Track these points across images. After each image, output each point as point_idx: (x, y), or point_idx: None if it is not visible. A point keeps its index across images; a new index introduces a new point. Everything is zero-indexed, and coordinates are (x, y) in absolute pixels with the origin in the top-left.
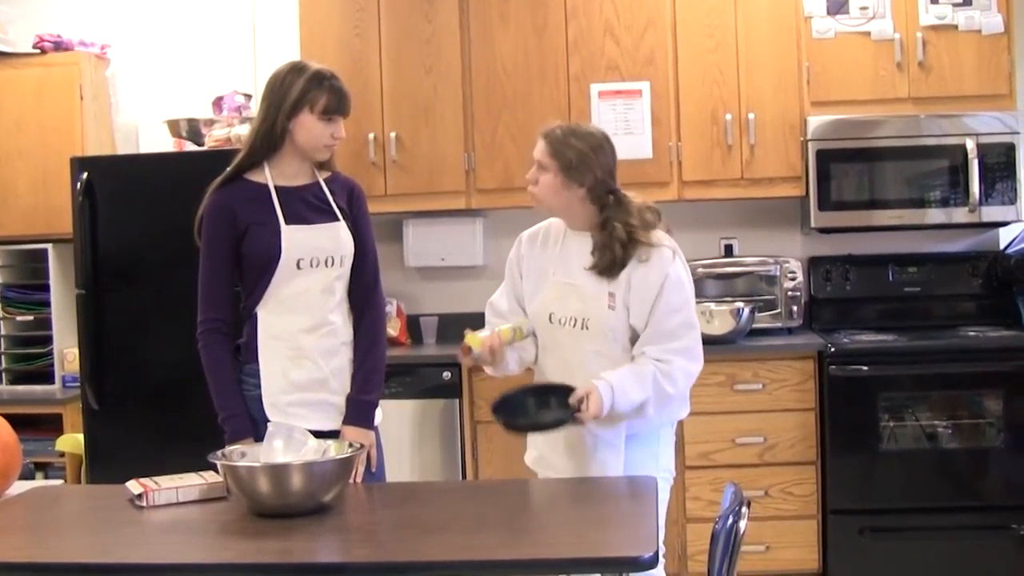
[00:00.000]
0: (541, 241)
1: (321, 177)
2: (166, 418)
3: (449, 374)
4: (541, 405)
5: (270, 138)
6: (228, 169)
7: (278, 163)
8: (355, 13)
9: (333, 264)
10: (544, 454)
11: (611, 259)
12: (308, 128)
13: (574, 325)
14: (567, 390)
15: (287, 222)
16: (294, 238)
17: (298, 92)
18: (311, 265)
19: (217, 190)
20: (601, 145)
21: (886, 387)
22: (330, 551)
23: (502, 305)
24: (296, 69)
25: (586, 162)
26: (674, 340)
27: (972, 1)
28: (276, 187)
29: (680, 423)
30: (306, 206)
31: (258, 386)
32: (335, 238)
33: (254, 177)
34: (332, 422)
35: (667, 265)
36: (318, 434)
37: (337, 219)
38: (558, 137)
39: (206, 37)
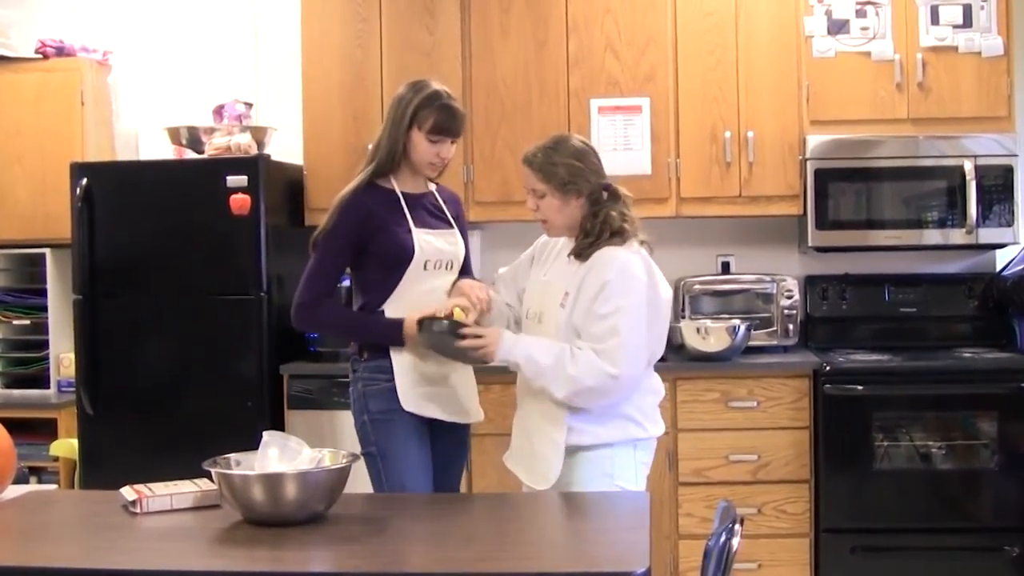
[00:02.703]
0: (552, 245)
1: (432, 188)
2: (160, 424)
3: None
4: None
5: (392, 152)
6: (360, 178)
7: (400, 174)
8: (357, 24)
9: (452, 268)
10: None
11: (591, 240)
12: (416, 145)
13: (534, 319)
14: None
15: (416, 226)
16: (423, 240)
17: (412, 111)
18: (435, 268)
19: (354, 193)
20: (583, 151)
21: (881, 407)
22: (322, 561)
23: (505, 278)
24: (415, 87)
25: (577, 172)
26: (597, 342)
27: (972, 23)
28: (403, 193)
29: (663, 442)
30: (428, 213)
31: (388, 380)
32: (454, 244)
33: (383, 184)
34: (458, 415)
35: (611, 271)
36: (443, 425)
37: (452, 226)
38: (542, 160)
39: (207, 45)
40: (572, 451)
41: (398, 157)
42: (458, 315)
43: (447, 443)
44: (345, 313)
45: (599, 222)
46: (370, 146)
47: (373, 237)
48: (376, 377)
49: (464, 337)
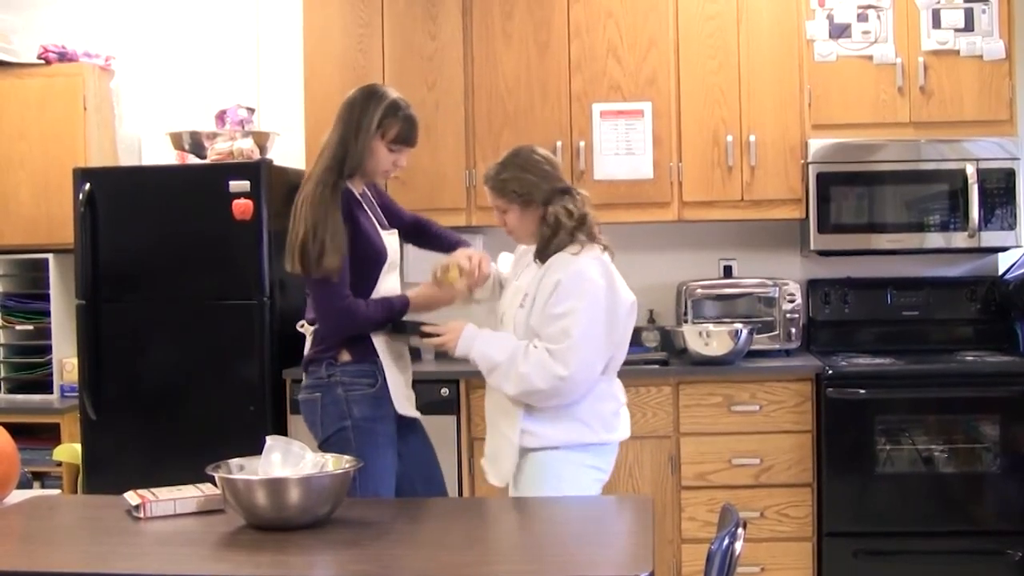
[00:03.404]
0: (528, 250)
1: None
2: (163, 429)
3: (447, 391)
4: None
5: (359, 158)
6: (326, 179)
7: (353, 178)
8: (358, 29)
9: (396, 268)
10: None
11: (546, 239)
12: (375, 153)
13: (499, 319)
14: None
15: (380, 228)
16: (388, 241)
17: (378, 119)
18: (391, 268)
19: (333, 193)
20: (529, 158)
21: (883, 410)
22: (325, 565)
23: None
24: (373, 95)
25: (527, 183)
26: (550, 343)
27: (974, 27)
28: (360, 195)
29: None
30: (377, 214)
31: (372, 385)
32: (396, 243)
33: (344, 185)
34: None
35: (564, 273)
36: (407, 424)
37: (391, 227)
38: (494, 177)
39: (210, 50)
40: (524, 452)
41: (355, 165)
42: (452, 277)
43: (418, 440)
44: (376, 304)
45: (550, 221)
46: (324, 147)
47: (353, 240)
48: (359, 382)
49: (426, 334)
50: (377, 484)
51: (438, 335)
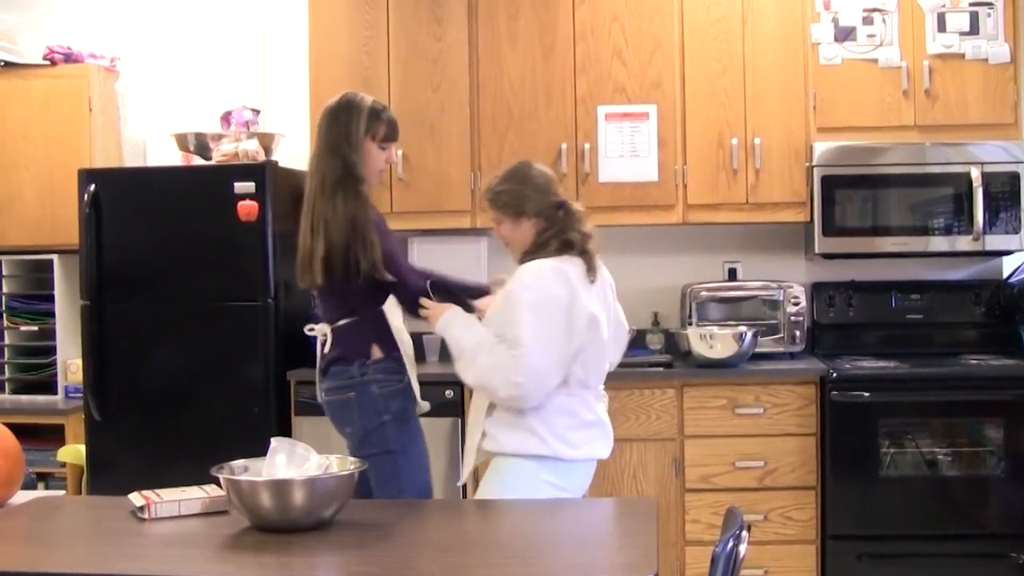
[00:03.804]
0: None
1: None
2: (167, 430)
3: (451, 392)
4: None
5: (356, 165)
6: (356, 192)
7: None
8: (364, 31)
9: None
10: None
11: (528, 256)
12: (370, 154)
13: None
14: (467, 299)
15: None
16: None
17: (365, 124)
18: None
19: (368, 208)
20: (522, 172)
21: (887, 413)
22: (330, 567)
23: None
24: (351, 104)
25: (519, 195)
26: (510, 348)
27: (979, 30)
28: None
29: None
30: None
31: (400, 380)
32: None
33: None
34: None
35: (511, 284)
36: None
37: None
38: (488, 191)
39: (215, 52)
40: (485, 455)
41: (348, 169)
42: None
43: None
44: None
45: (540, 241)
46: (315, 162)
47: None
48: (391, 379)
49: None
50: (419, 473)
51: (426, 306)
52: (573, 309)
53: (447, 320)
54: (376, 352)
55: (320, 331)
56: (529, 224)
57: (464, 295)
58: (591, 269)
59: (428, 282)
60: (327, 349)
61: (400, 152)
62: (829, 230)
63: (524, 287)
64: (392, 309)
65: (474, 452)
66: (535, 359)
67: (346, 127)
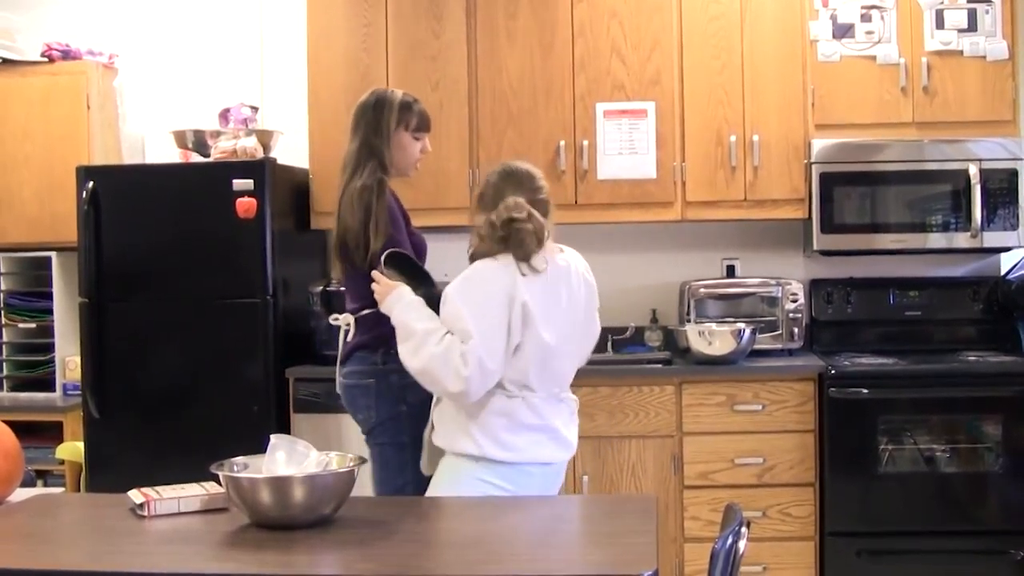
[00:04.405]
0: None
1: None
2: (166, 428)
3: None
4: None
5: (386, 154)
6: (375, 178)
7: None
8: (362, 28)
9: None
10: None
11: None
12: (404, 145)
13: None
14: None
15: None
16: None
17: (397, 114)
18: None
19: (384, 194)
20: (490, 175)
21: (886, 410)
22: (330, 564)
23: None
24: (383, 96)
25: (480, 195)
26: (461, 341)
27: (977, 27)
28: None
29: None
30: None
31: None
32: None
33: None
34: None
35: (449, 286)
36: None
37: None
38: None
39: (214, 49)
40: (435, 449)
41: (393, 158)
42: None
43: None
44: None
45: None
46: (350, 155)
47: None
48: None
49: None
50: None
51: (378, 281)
52: (511, 304)
53: (397, 298)
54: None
55: (344, 320)
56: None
57: (422, 279)
58: (525, 260)
59: (384, 253)
60: (350, 337)
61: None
62: (827, 227)
63: (462, 282)
64: None
65: (428, 444)
66: (483, 353)
67: (376, 121)
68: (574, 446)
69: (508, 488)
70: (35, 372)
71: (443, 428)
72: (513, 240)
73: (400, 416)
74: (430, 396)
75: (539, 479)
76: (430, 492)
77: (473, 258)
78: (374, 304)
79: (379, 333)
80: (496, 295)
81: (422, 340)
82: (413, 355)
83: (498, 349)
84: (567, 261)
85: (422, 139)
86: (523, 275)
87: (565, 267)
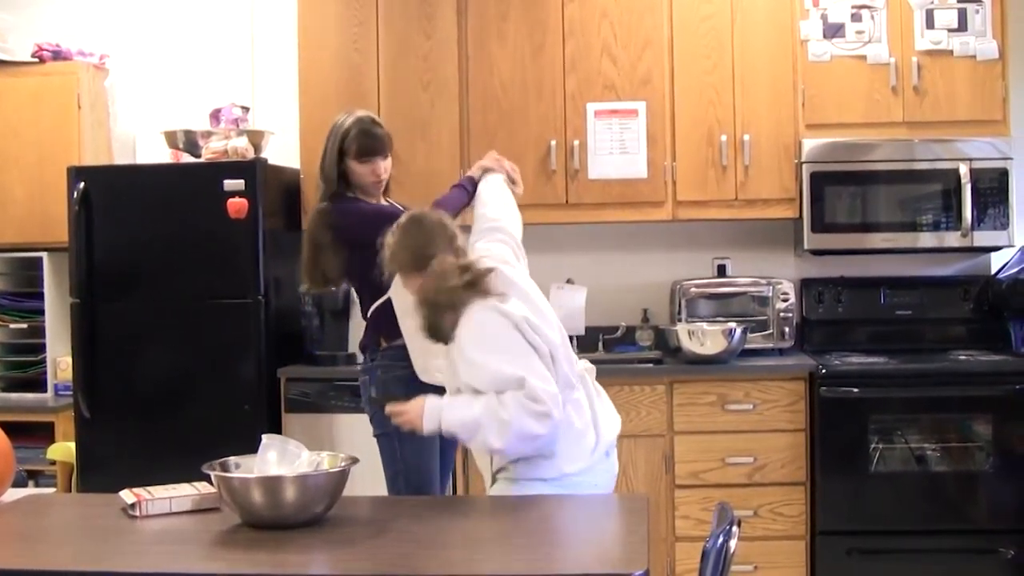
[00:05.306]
0: None
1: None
2: (158, 428)
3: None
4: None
5: (338, 181)
6: (314, 212)
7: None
8: (353, 28)
9: None
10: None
11: (428, 326)
12: (352, 170)
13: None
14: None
15: None
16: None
17: (339, 142)
18: None
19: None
20: (402, 232)
21: (876, 409)
22: (322, 564)
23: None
24: (332, 127)
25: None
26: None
27: (967, 27)
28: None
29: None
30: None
31: (405, 367)
32: None
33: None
34: None
35: (460, 330)
36: None
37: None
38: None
39: (204, 49)
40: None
41: (343, 184)
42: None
43: None
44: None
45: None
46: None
47: (364, 214)
48: (395, 364)
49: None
50: (418, 459)
51: (401, 415)
52: (521, 329)
53: (432, 413)
54: (383, 341)
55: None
56: (416, 280)
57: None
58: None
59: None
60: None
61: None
62: (818, 226)
63: (472, 343)
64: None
65: (488, 471)
66: (541, 383)
67: (325, 149)
68: (618, 416)
69: (596, 484)
70: (26, 372)
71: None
72: (479, 290)
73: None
74: (414, 389)
75: (603, 478)
76: None
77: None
78: (369, 306)
79: (370, 333)
80: (506, 330)
81: (489, 420)
82: (490, 436)
83: (546, 373)
84: (495, 260)
85: (370, 163)
86: (504, 303)
87: (507, 266)
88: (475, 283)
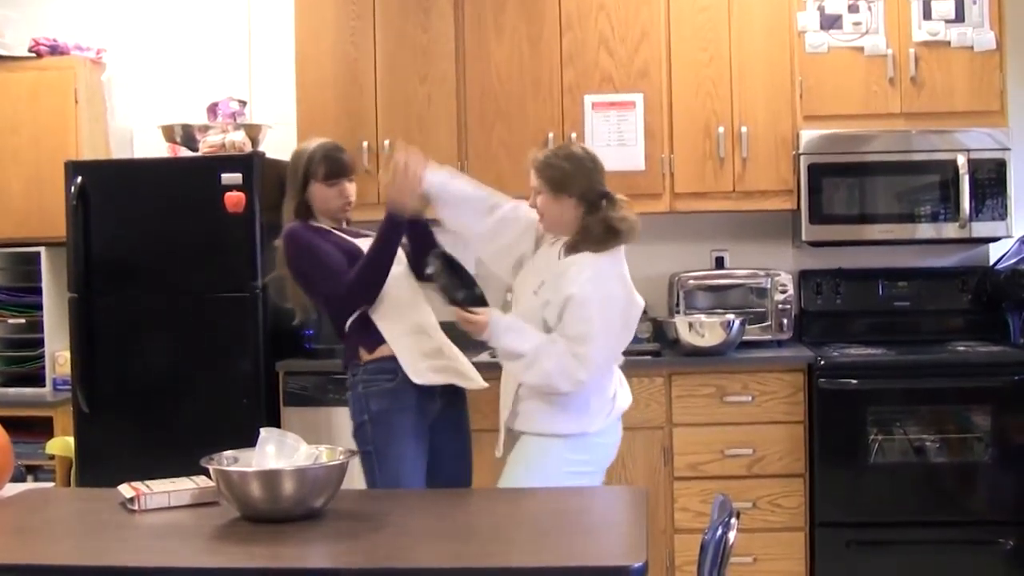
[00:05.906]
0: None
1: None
2: (156, 422)
3: None
4: (458, 284)
5: (304, 209)
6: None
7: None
8: (351, 21)
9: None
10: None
11: (575, 242)
12: (317, 195)
13: (513, 298)
14: (465, 288)
15: (353, 238)
16: (365, 243)
17: (304, 168)
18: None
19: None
20: (577, 156)
21: (875, 401)
22: (320, 557)
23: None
24: (296, 155)
25: (567, 174)
26: (575, 344)
27: (965, 18)
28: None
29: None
30: (348, 232)
31: (389, 380)
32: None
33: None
34: (467, 381)
35: (572, 286)
36: (445, 417)
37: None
38: (540, 161)
39: (202, 43)
40: (513, 434)
41: (308, 211)
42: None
43: (450, 434)
44: (365, 261)
45: (583, 228)
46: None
47: (320, 255)
48: (377, 379)
49: (459, 305)
50: (398, 475)
51: (469, 320)
52: (630, 308)
53: (494, 328)
54: (364, 355)
55: None
56: (568, 205)
57: (464, 277)
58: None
59: (432, 253)
60: None
61: (388, 142)
62: (816, 218)
63: (592, 289)
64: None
65: (503, 429)
66: (599, 356)
67: (291, 176)
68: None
69: (589, 466)
70: (24, 367)
71: (530, 411)
72: (625, 238)
73: (364, 425)
74: (390, 405)
75: (613, 450)
76: (509, 475)
77: (579, 250)
78: (344, 324)
79: (348, 350)
80: (620, 302)
81: (534, 358)
82: (527, 372)
83: (614, 350)
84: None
85: (337, 185)
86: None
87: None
88: (619, 237)
